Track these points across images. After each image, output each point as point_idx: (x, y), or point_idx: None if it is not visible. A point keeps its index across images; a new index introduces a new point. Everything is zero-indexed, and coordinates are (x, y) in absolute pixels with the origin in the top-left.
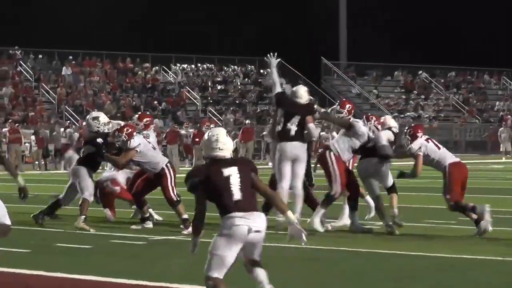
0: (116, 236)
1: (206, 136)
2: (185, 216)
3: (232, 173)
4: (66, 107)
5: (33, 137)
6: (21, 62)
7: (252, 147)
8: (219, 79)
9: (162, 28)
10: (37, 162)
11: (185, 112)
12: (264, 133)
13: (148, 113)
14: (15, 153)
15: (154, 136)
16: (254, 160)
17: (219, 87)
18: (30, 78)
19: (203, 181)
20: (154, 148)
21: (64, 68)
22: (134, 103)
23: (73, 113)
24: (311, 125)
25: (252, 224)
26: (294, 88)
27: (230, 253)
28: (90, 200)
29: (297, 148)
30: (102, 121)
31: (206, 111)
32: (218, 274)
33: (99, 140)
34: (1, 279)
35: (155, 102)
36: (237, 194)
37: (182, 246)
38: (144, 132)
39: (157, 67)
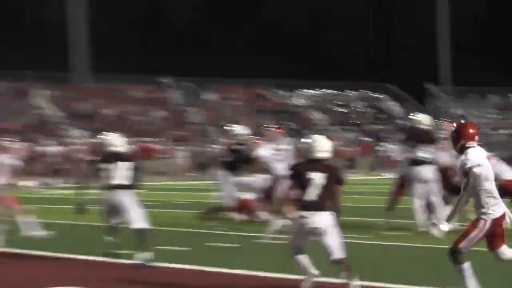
0: (256, 236)
1: (307, 141)
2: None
3: (316, 177)
4: (211, 127)
5: (185, 153)
6: (171, 89)
7: (369, 160)
8: (340, 102)
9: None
10: (188, 174)
11: (312, 132)
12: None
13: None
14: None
15: (287, 147)
16: (372, 171)
17: (340, 110)
18: (180, 103)
19: (294, 174)
20: (278, 160)
21: (208, 94)
22: (268, 124)
23: (217, 132)
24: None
25: (310, 221)
26: (417, 117)
27: (298, 239)
28: (231, 203)
29: (427, 171)
30: (237, 131)
31: (330, 130)
32: (296, 252)
33: (236, 147)
34: (166, 274)
35: (286, 122)
36: (311, 195)
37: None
38: (274, 141)
39: (287, 93)
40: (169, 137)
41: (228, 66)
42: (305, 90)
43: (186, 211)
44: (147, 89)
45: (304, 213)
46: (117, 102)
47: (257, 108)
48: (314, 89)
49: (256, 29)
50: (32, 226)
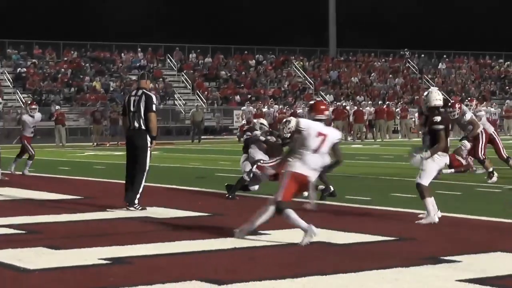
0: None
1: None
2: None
3: None
4: (440, 91)
5: (416, 114)
6: (408, 60)
7: None
8: None
9: None
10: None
11: None
12: None
13: (500, 96)
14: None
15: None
16: None
17: None
18: (415, 72)
19: None
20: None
21: (440, 64)
22: (491, 89)
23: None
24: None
25: None
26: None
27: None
28: None
29: None
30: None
31: None
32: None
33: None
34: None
35: (507, 87)
36: None
37: None
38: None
39: (508, 62)
40: (404, 101)
41: (457, 41)
42: None
43: None
44: (387, 59)
45: None
46: (360, 71)
47: (483, 75)
48: None
49: None
50: None
